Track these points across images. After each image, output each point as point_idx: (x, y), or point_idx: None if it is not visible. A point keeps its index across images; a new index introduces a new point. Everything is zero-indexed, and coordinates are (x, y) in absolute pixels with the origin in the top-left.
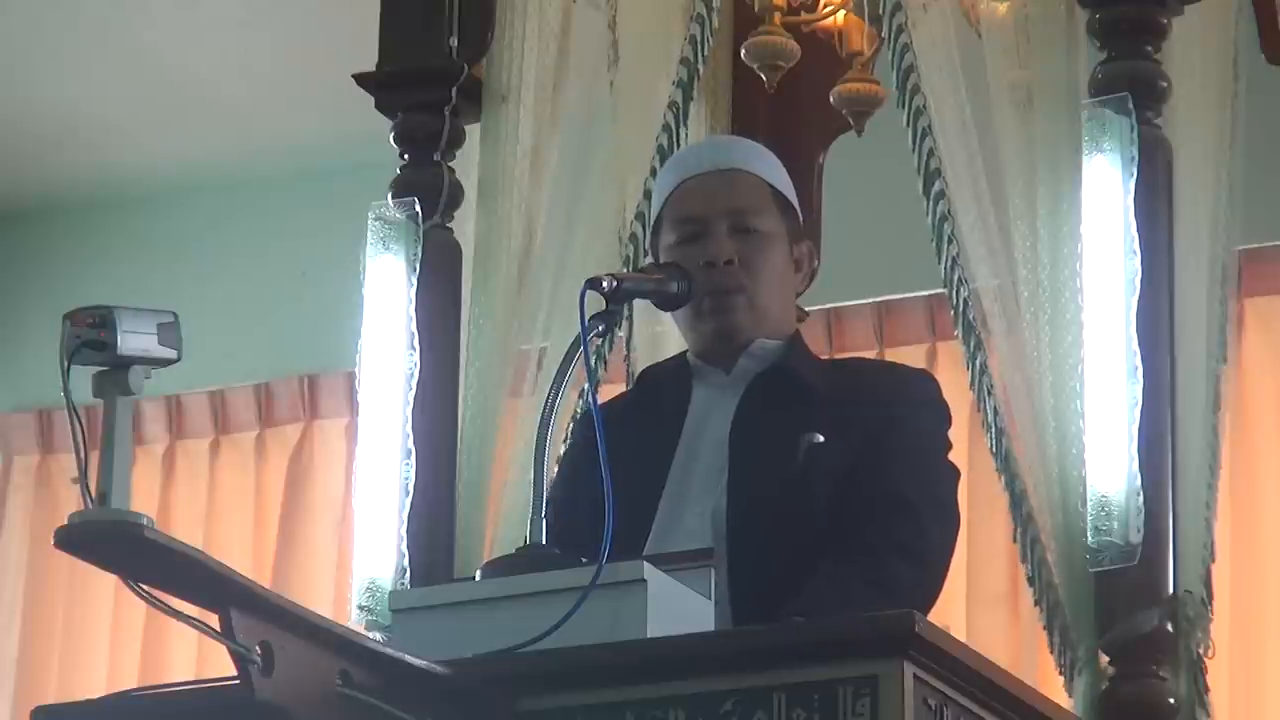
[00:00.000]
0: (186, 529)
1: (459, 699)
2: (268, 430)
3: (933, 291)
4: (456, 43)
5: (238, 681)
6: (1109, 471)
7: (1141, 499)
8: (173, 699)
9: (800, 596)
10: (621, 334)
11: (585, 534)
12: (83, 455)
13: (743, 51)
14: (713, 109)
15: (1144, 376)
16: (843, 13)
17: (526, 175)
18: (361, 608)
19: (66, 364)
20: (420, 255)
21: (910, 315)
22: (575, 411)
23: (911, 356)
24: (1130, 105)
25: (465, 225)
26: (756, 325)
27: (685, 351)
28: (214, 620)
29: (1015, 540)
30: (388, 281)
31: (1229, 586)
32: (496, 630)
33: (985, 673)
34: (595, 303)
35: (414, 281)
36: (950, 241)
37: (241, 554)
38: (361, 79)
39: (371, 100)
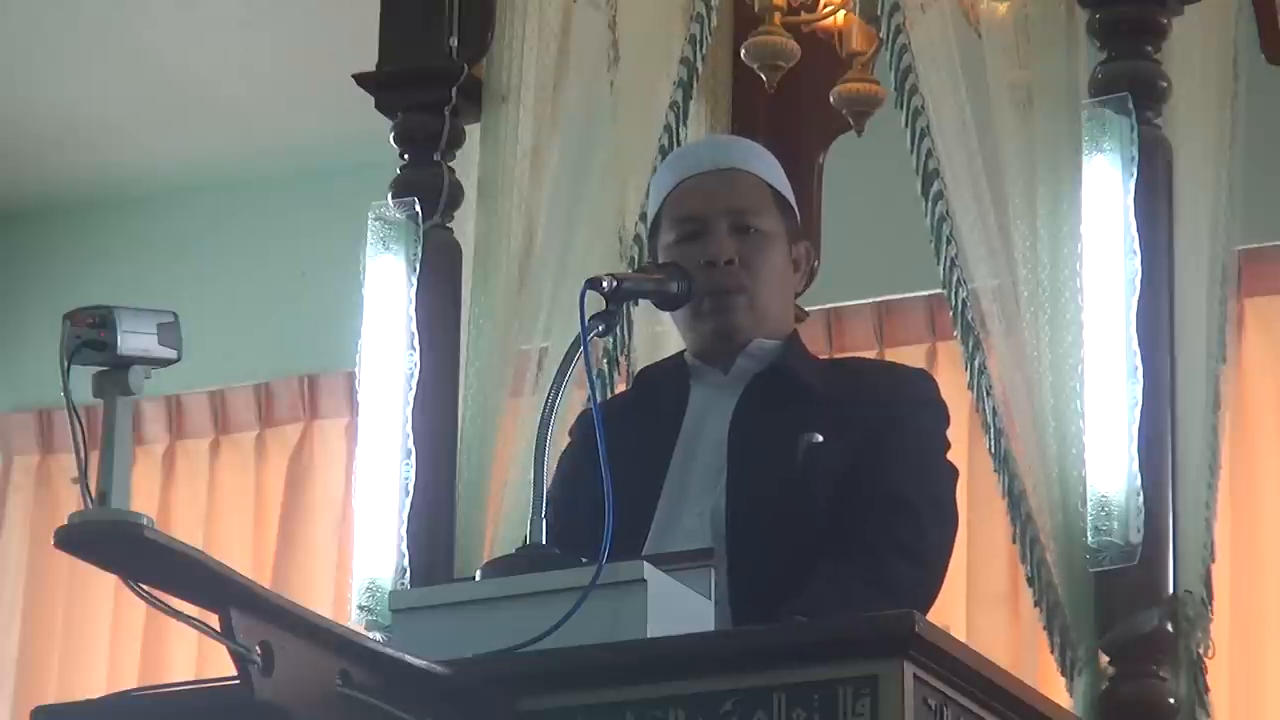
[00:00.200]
0: (186, 529)
1: (459, 699)
2: (268, 430)
3: (932, 291)
4: (456, 43)
5: (238, 681)
6: (1109, 471)
7: (1141, 499)
8: (173, 699)
9: (800, 596)
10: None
11: (585, 534)
12: (83, 455)
13: (743, 51)
14: (713, 109)
15: (1144, 376)
16: (843, 13)
17: (526, 175)
18: (361, 608)
19: (66, 364)
20: (420, 255)
21: (910, 315)
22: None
23: (911, 356)
24: (1130, 105)
25: (465, 225)
26: (756, 325)
27: (683, 351)
28: (214, 620)
29: (1015, 540)
30: (388, 281)
31: (1229, 586)
32: (496, 630)
33: (985, 673)
34: (595, 303)
35: (414, 281)
36: (949, 241)
37: (241, 554)
38: (361, 79)
39: (371, 100)
